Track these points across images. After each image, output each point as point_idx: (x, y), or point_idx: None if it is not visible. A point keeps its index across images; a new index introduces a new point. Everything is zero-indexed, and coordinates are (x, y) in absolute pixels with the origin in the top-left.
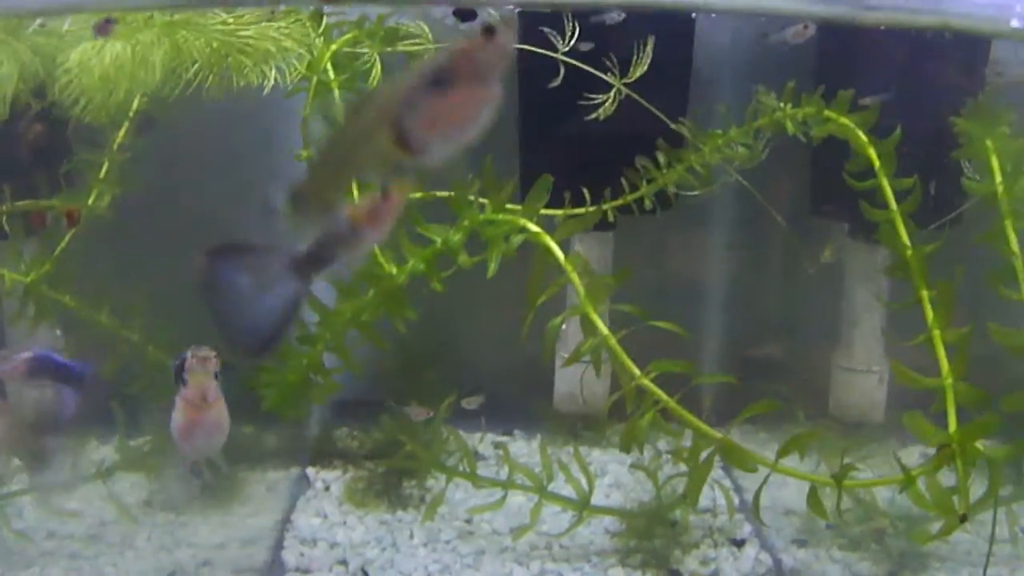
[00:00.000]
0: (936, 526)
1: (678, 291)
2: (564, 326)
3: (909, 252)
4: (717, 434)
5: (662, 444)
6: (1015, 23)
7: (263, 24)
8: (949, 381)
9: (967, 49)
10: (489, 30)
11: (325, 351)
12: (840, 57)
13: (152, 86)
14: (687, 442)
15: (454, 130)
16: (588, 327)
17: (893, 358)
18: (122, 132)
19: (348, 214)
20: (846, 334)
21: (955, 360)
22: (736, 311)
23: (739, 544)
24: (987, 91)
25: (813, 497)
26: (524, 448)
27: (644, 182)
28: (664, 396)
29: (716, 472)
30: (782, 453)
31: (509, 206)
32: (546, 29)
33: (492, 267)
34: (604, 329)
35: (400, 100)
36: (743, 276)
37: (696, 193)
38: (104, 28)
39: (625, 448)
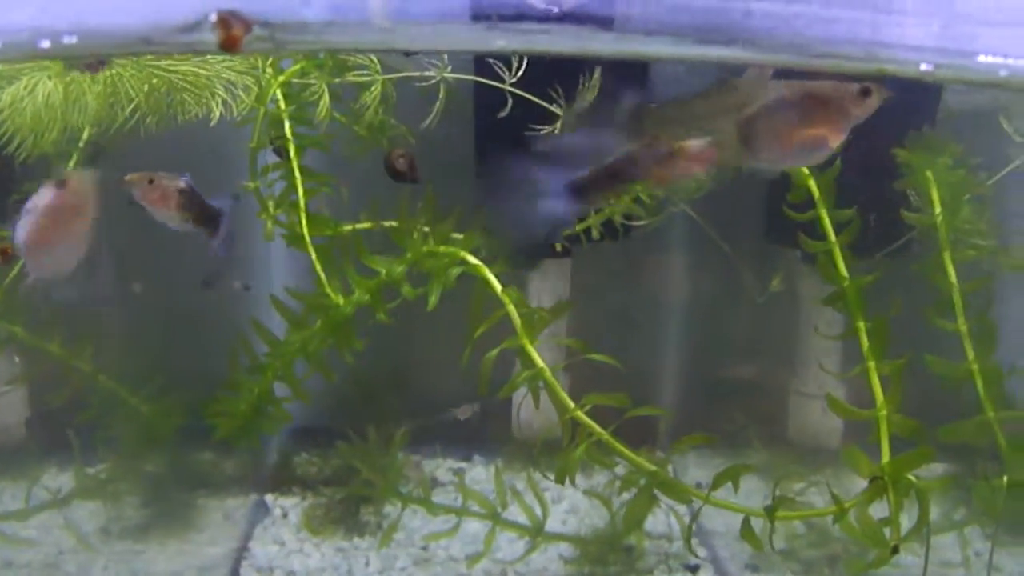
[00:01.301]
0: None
1: (637, 315)
2: None
3: (846, 283)
4: (651, 467)
5: (619, 469)
6: (924, 67)
7: (206, 57)
8: (883, 412)
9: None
10: (866, 91)
11: (275, 381)
12: None
13: (87, 124)
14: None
15: (787, 152)
16: (524, 359)
17: (827, 391)
18: (71, 163)
19: (672, 145)
20: (802, 359)
21: (890, 391)
22: (696, 335)
23: (693, 570)
24: (939, 120)
25: (746, 528)
26: (483, 473)
27: (592, 212)
28: (597, 428)
29: None
30: (715, 485)
31: (454, 235)
32: (492, 61)
33: (432, 299)
34: (540, 362)
35: (758, 107)
36: (702, 301)
37: (643, 224)
38: (94, 67)
39: (559, 480)
